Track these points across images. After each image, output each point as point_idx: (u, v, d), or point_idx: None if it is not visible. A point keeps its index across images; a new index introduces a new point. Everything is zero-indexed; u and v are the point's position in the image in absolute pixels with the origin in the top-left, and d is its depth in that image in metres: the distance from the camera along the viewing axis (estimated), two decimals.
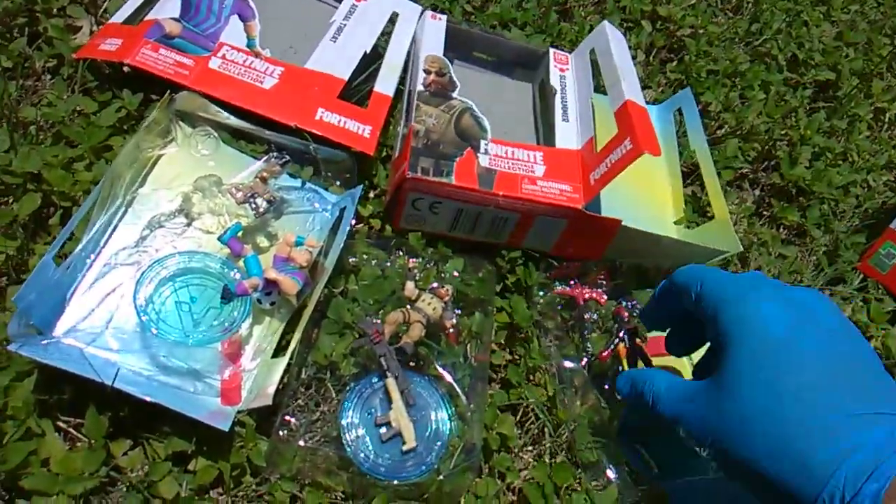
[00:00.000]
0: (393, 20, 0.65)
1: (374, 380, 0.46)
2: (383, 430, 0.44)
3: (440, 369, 0.48)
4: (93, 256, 0.46)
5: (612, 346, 0.52)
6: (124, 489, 0.40)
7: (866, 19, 1.05)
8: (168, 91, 0.51)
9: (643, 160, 0.50)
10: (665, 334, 0.43)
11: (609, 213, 0.56)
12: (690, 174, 0.71)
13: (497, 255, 0.56)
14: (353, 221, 0.52)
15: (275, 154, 0.53)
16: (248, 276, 0.47)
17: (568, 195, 0.54)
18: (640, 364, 0.51)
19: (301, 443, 0.43)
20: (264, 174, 0.51)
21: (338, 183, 0.56)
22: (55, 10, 0.59)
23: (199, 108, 0.53)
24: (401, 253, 0.53)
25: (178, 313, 0.46)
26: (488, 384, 0.51)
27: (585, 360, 0.53)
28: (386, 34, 0.63)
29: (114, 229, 0.48)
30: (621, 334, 0.52)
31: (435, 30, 0.64)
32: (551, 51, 0.67)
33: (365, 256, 0.52)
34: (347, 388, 0.46)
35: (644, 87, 0.69)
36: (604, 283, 0.58)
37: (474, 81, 0.65)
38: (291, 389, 0.45)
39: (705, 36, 0.85)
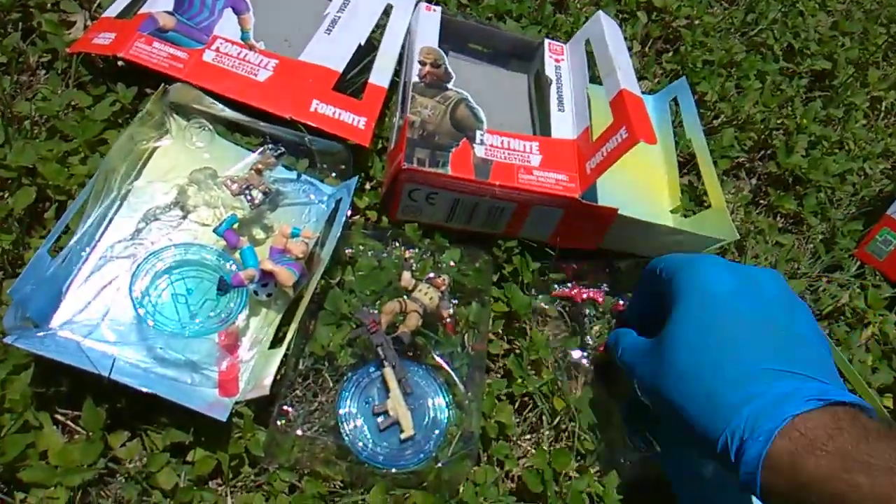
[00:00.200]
0: (387, 12, 0.65)
1: (372, 369, 0.46)
2: (381, 418, 0.45)
3: (437, 358, 0.48)
4: (88, 249, 0.46)
5: None
6: (123, 480, 0.40)
7: (862, 8, 1.05)
8: (162, 84, 0.51)
9: (639, 149, 0.50)
10: None
11: (606, 202, 0.56)
12: (687, 164, 0.71)
13: (494, 245, 0.56)
14: (350, 213, 0.52)
15: (270, 146, 0.53)
16: (244, 267, 0.47)
17: (564, 185, 0.54)
18: None
19: (299, 432, 0.43)
20: (259, 166, 0.51)
21: (333, 174, 0.56)
22: (49, 4, 0.59)
23: (193, 100, 0.53)
24: (397, 244, 0.53)
25: (175, 305, 0.46)
26: (487, 373, 0.51)
27: (584, 352, 0.53)
28: (380, 26, 0.63)
29: (109, 222, 0.48)
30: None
31: (430, 21, 0.64)
32: (546, 41, 0.67)
33: (361, 247, 0.52)
34: (345, 377, 0.46)
35: (640, 78, 0.69)
36: (602, 284, 0.58)
37: (470, 73, 0.64)
38: (289, 380, 0.45)
39: (701, 26, 0.85)
